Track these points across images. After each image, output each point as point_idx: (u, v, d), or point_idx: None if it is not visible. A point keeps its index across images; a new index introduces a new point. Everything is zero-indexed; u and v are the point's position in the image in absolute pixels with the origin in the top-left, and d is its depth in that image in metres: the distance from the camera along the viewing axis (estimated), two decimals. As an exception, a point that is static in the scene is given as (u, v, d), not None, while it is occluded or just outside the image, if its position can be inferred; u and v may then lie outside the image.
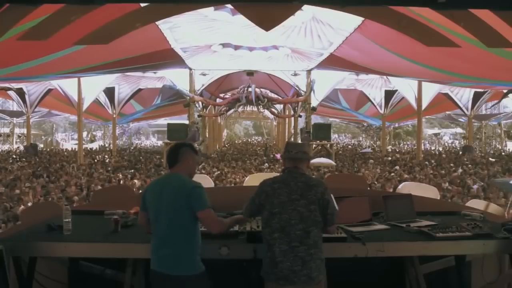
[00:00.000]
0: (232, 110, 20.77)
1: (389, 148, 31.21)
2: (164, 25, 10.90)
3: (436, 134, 47.94)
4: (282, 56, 15.98)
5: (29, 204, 7.55)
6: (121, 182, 10.97)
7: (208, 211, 2.53)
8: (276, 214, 2.51)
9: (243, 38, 13.50)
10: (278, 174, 2.90)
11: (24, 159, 19.21)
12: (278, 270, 2.44)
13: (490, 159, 19.34)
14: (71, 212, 2.96)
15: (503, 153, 26.08)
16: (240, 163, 16.55)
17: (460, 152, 24.22)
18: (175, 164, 2.64)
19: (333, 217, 2.58)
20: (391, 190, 8.30)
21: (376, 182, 10.67)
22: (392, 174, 12.15)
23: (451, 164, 16.59)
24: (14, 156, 21.57)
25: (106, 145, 34.59)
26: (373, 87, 23.34)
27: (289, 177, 2.60)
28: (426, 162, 17.18)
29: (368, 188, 6.17)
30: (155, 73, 20.14)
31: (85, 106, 18.87)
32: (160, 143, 35.78)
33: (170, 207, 2.51)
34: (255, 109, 20.54)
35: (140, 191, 9.05)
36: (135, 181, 10.92)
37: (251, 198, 2.67)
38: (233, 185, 9.72)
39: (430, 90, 19.67)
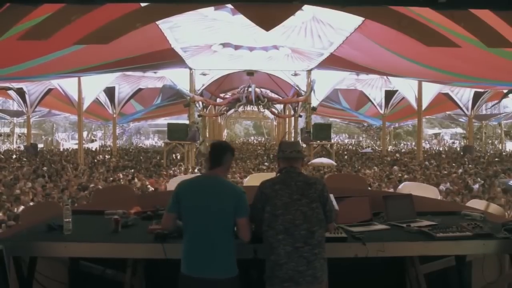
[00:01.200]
0: (232, 110, 20.78)
1: (390, 148, 31.21)
2: (164, 24, 10.91)
3: (436, 134, 47.92)
4: (282, 56, 15.99)
5: (30, 204, 7.55)
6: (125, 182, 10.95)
7: (247, 219, 2.53)
8: (279, 215, 2.48)
9: (243, 38, 13.51)
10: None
11: (25, 159, 19.22)
12: (283, 272, 2.41)
13: (495, 159, 19.36)
14: (71, 212, 2.96)
15: (503, 153, 26.09)
16: (240, 162, 16.55)
17: (462, 152, 24.21)
18: (218, 166, 2.58)
19: (331, 214, 2.59)
20: (389, 189, 8.30)
21: (376, 183, 10.67)
22: (392, 177, 12.16)
23: (453, 164, 16.60)
24: (15, 156, 21.57)
25: (107, 145, 34.63)
26: (373, 87, 23.35)
27: (287, 177, 2.58)
28: (426, 162, 17.18)
29: (369, 188, 6.17)
30: (155, 73, 20.16)
31: (85, 106, 18.90)
32: (160, 142, 35.83)
33: (217, 210, 2.47)
34: (255, 109, 20.56)
35: (141, 191, 9.06)
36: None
37: (253, 205, 2.61)
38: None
39: (431, 90, 19.68)
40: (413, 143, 34.29)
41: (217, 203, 2.48)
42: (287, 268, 2.40)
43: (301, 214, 2.47)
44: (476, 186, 10.13)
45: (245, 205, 2.52)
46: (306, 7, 9.53)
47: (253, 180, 5.21)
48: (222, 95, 20.36)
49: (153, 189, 9.55)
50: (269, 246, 2.48)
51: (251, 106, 19.40)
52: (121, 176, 12.30)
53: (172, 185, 4.74)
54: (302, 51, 14.95)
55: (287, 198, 2.51)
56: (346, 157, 21.19)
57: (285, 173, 2.61)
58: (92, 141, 42.18)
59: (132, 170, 13.99)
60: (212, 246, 2.45)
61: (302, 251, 2.42)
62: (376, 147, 32.01)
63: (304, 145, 17.66)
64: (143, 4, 6.39)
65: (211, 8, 10.49)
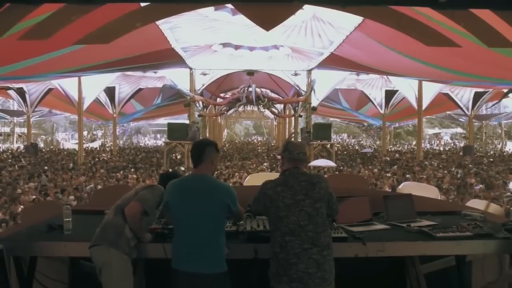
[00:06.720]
0: (232, 110, 20.78)
1: (391, 147, 31.19)
2: (165, 25, 10.91)
3: (436, 134, 47.89)
4: (282, 56, 15.98)
5: (29, 203, 7.55)
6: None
7: (239, 207, 2.65)
8: (283, 217, 2.48)
9: (244, 38, 13.50)
10: (277, 174, 2.88)
11: (27, 159, 19.22)
12: (293, 272, 2.40)
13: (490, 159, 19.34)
14: (71, 212, 2.96)
15: (504, 153, 26.08)
16: (240, 162, 16.55)
17: (461, 153, 24.19)
18: (200, 164, 2.63)
19: (337, 207, 2.63)
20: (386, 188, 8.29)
21: (375, 182, 10.67)
22: (395, 176, 12.14)
23: (451, 163, 16.61)
24: (14, 156, 21.57)
25: (107, 145, 34.65)
26: (374, 87, 23.34)
27: (290, 178, 2.58)
28: (426, 162, 17.18)
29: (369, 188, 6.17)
30: (155, 72, 20.17)
31: (85, 105, 18.90)
32: (160, 142, 35.89)
33: (206, 207, 2.51)
34: (255, 109, 20.55)
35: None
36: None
37: (256, 198, 2.65)
38: (233, 184, 9.71)
39: (431, 90, 19.68)
40: (413, 143, 34.28)
41: (206, 200, 2.52)
42: (296, 269, 2.40)
43: (305, 215, 2.46)
44: (477, 186, 10.12)
45: (235, 197, 2.61)
46: (306, 6, 9.52)
47: (253, 180, 5.21)
48: (222, 95, 20.36)
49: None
50: (278, 245, 2.48)
51: (251, 106, 19.40)
52: (119, 175, 12.29)
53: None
54: (302, 50, 14.94)
55: (290, 199, 2.50)
56: (346, 157, 21.18)
57: (288, 175, 2.61)
58: (93, 140, 42.22)
59: (132, 170, 13.99)
60: (202, 242, 2.48)
61: (311, 252, 2.42)
62: (376, 147, 31.96)
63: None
64: (143, 4, 6.39)
65: (211, 9, 10.49)
